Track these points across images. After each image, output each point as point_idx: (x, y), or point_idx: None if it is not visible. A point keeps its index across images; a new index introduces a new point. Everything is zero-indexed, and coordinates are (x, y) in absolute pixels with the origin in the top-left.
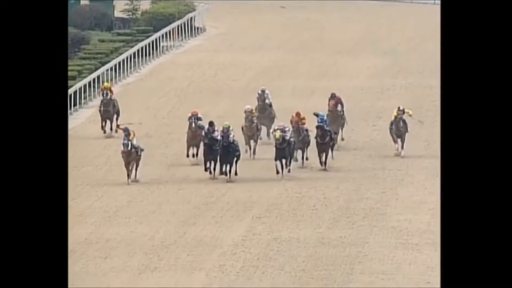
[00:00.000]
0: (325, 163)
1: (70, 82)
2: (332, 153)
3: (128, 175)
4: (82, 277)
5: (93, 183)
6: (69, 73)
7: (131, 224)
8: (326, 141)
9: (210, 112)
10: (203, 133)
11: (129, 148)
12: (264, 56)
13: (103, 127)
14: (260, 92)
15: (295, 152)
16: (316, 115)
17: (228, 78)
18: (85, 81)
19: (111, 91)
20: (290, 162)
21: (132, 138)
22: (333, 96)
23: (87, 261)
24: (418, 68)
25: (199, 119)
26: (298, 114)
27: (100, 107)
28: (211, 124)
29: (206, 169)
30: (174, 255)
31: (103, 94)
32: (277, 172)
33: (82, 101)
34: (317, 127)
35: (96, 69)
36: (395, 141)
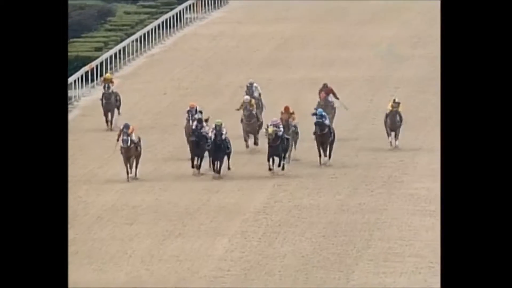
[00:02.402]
0: (329, 155)
1: (96, 53)
2: (330, 151)
3: (128, 172)
4: (108, 243)
5: (118, 151)
6: (95, 45)
7: (155, 192)
8: (325, 132)
9: (233, 82)
10: (193, 127)
11: (129, 144)
12: (286, 27)
13: (107, 121)
14: (248, 84)
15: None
16: (314, 114)
17: (250, 49)
18: (111, 52)
19: (112, 82)
20: (284, 159)
21: (131, 133)
22: (324, 87)
23: (114, 227)
24: (438, 38)
25: (199, 112)
26: (286, 109)
27: (102, 99)
28: (199, 121)
29: (193, 166)
30: (198, 222)
31: (104, 87)
32: (270, 169)
33: (108, 71)
34: (316, 123)
35: (122, 40)
36: (389, 135)
